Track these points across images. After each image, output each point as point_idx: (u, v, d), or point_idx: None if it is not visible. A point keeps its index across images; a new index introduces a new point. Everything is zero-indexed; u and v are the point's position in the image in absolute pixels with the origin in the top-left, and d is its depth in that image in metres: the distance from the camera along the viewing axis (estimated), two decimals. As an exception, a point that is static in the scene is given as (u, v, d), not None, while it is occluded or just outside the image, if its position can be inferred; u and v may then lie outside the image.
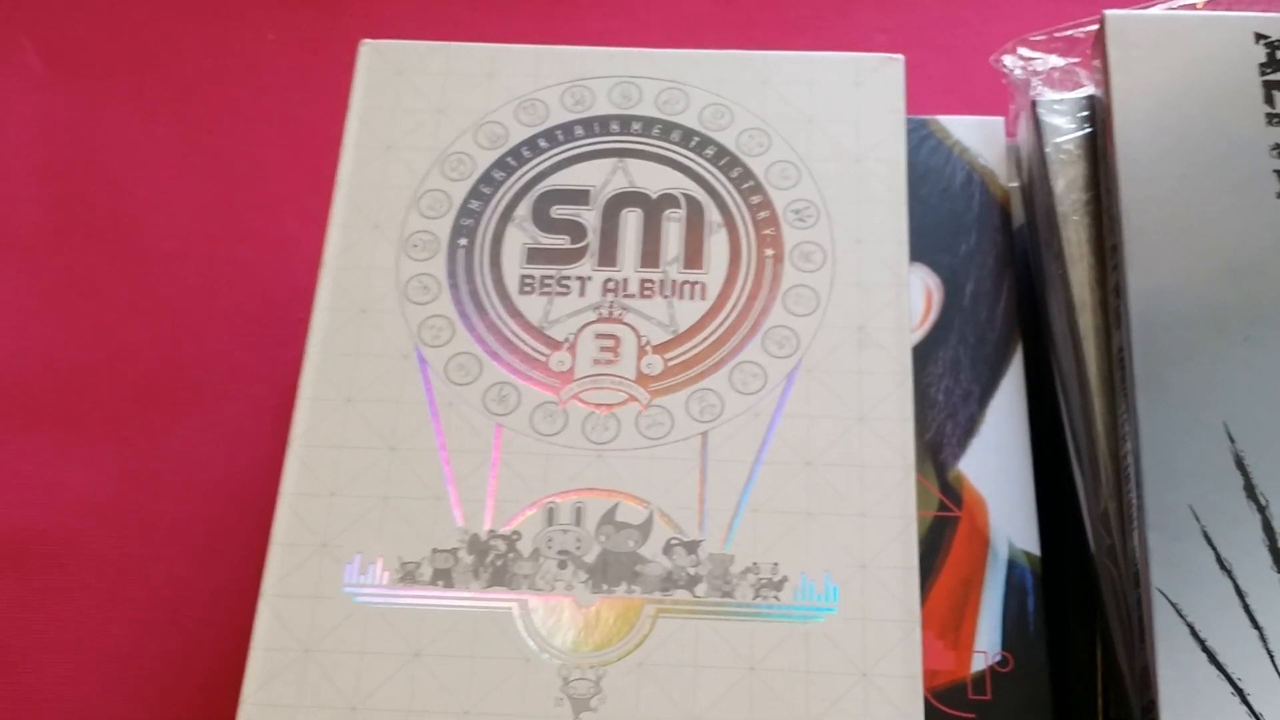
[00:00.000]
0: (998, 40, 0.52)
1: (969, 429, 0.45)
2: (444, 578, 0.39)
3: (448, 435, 0.41)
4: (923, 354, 0.46)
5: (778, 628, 0.38)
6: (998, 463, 0.44)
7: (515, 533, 0.39)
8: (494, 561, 0.39)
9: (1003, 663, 0.41)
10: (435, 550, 0.39)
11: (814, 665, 0.37)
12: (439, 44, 0.48)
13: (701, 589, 0.38)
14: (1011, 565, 0.43)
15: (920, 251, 0.48)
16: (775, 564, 0.39)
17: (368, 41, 0.48)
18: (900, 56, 0.47)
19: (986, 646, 0.41)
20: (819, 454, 0.40)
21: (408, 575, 0.39)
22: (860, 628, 0.38)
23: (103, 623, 0.50)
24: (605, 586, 0.39)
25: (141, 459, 0.53)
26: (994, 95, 0.55)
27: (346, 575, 0.39)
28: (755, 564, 0.39)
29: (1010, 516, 0.43)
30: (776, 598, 0.38)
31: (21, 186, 0.59)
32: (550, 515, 0.40)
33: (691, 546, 0.39)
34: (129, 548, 0.51)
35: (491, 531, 0.39)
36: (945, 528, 0.43)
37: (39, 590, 0.50)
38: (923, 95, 0.57)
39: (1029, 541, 0.43)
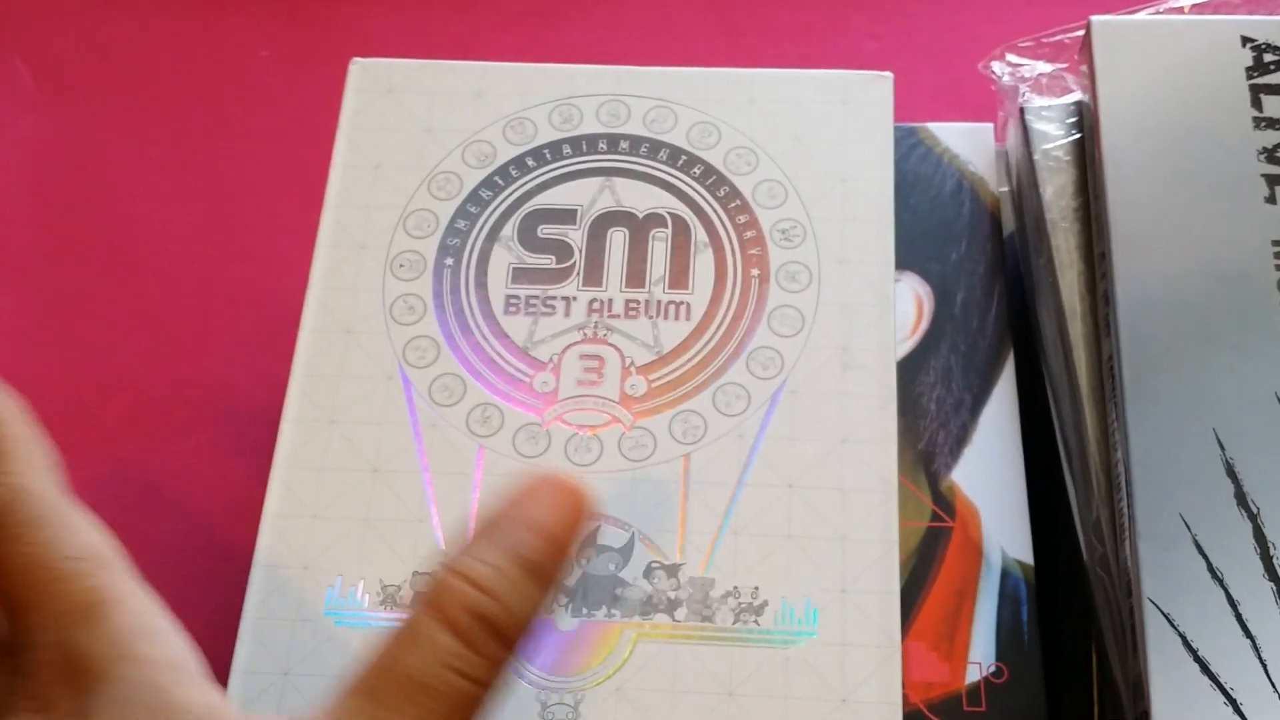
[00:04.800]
0: (989, 46, 0.52)
1: (961, 438, 0.45)
2: None
3: (430, 457, 0.41)
4: (914, 363, 0.46)
5: (757, 653, 0.38)
6: (990, 472, 0.44)
7: None
8: (476, 586, 0.39)
9: (997, 674, 0.41)
10: (416, 573, 0.39)
11: (793, 691, 0.37)
12: (428, 63, 0.48)
13: (681, 613, 0.38)
14: (1005, 575, 0.42)
15: (911, 260, 0.47)
16: (756, 588, 0.39)
17: (357, 60, 0.48)
18: (889, 74, 0.46)
19: (981, 658, 0.41)
20: (801, 476, 0.40)
21: (389, 598, 0.39)
22: (840, 653, 0.38)
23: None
24: (585, 610, 0.39)
25: (138, 478, 0.53)
26: (986, 101, 0.54)
27: (328, 598, 0.39)
28: (736, 588, 0.39)
29: (1003, 526, 0.43)
30: (756, 622, 0.38)
31: (16, 207, 0.59)
32: None
33: (672, 570, 0.39)
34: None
35: None
36: (938, 539, 0.43)
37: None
38: (914, 102, 0.57)
39: (1022, 551, 0.43)
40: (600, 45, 0.61)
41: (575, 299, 0.43)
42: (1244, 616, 0.37)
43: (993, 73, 0.50)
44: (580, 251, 0.44)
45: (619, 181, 0.45)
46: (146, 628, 0.29)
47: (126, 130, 0.61)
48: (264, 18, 0.63)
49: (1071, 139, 0.47)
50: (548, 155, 0.46)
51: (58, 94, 0.62)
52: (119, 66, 0.63)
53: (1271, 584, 0.38)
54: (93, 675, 0.28)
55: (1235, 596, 0.37)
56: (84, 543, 0.31)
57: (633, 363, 0.42)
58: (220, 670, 0.38)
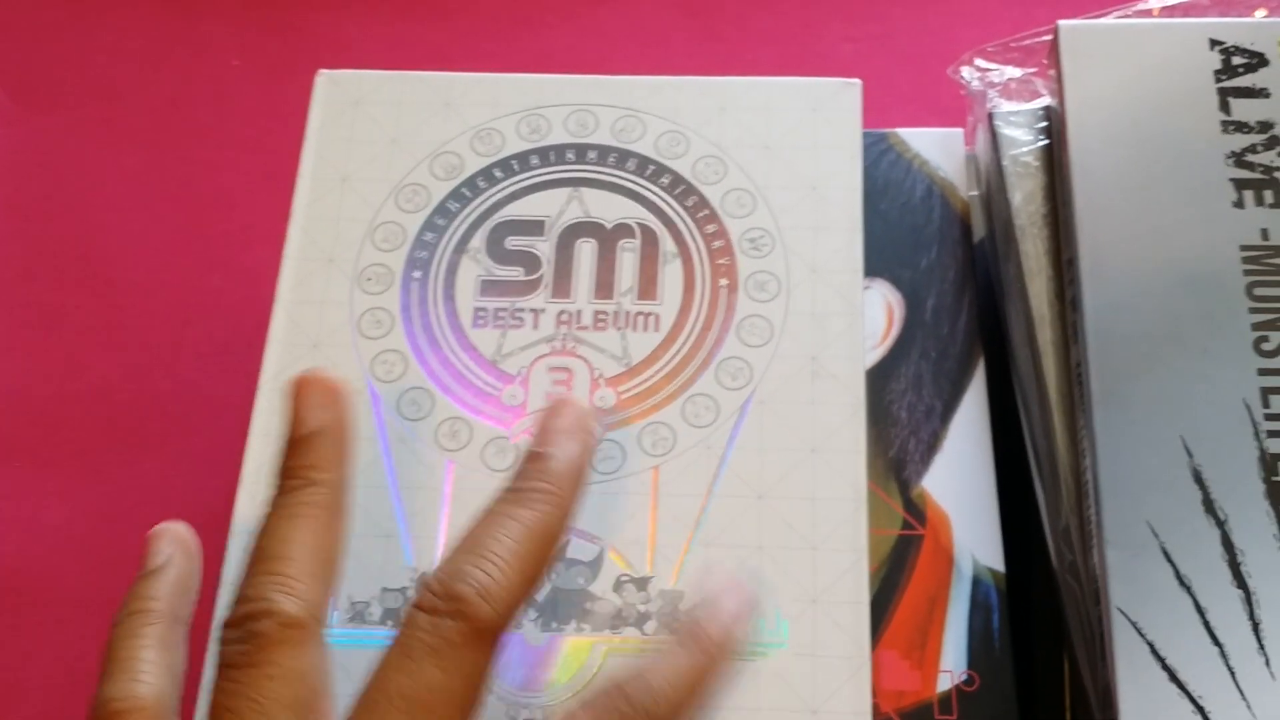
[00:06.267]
0: (963, 49, 0.52)
1: (932, 445, 0.45)
2: (393, 617, 0.39)
3: (399, 472, 0.41)
4: (885, 370, 0.46)
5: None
6: (961, 479, 0.44)
7: None
8: (444, 601, 0.39)
9: (969, 682, 0.41)
10: (384, 589, 0.39)
11: (764, 703, 0.37)
12: (394, 74, 0.48)
13: (651, 626, 0.38)
14: (976, 582, 0.42)
15: (881, 266, 0.47)
16: None
17: (324, 72, 0.48)
18: (858, 81, 0.46)
19: (952, 665, 0.41)
20: (771, 487, 0.40)
21: (357, 615, 0.39)
22: (810, 664, 0.38)
23: (79, 658, 0.50)
24: (555, 625, 0.39)
25: (114, 492, 0.53)
26: (961, 103, 0.54)
27: None
28: None
29: (974, 533, 0.43)
30: None
31: (-11, 219, 0.59)
32: None
33: (642, 583, 0.39)
34: (104, 583, 0.51)
35: None
36: (909, 546, 0.43)
37: (13, 629, 0.50)
38: (888, 106, 0.57)
39: (993, 558, 0.43)
40: (575, 49, 0.61)
41: (544, 311, 0.43)
42: (1212, 624, 0.37)
43: (961, 78, 0.50)
44: (548, 263, 0.44)
45: (587, 192, 0.45)
46: None
47: (99, 141, 0.61)
48: (235, 28, 0.63)
49: (1040, 144, 0.47)
50: (515, 166, 0.46)
51: (30, 106, 0.62)
52: (91, 78, 0.62)
53: (1239, 591, 0.38)
54: None
55: (1203, 604, 0.37)
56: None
57: (601, 375, 0.42)
58: (191, 687, 0.38)
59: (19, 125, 0.61)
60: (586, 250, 0.44)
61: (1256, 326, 0.41)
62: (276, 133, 0.60)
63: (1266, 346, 0.40)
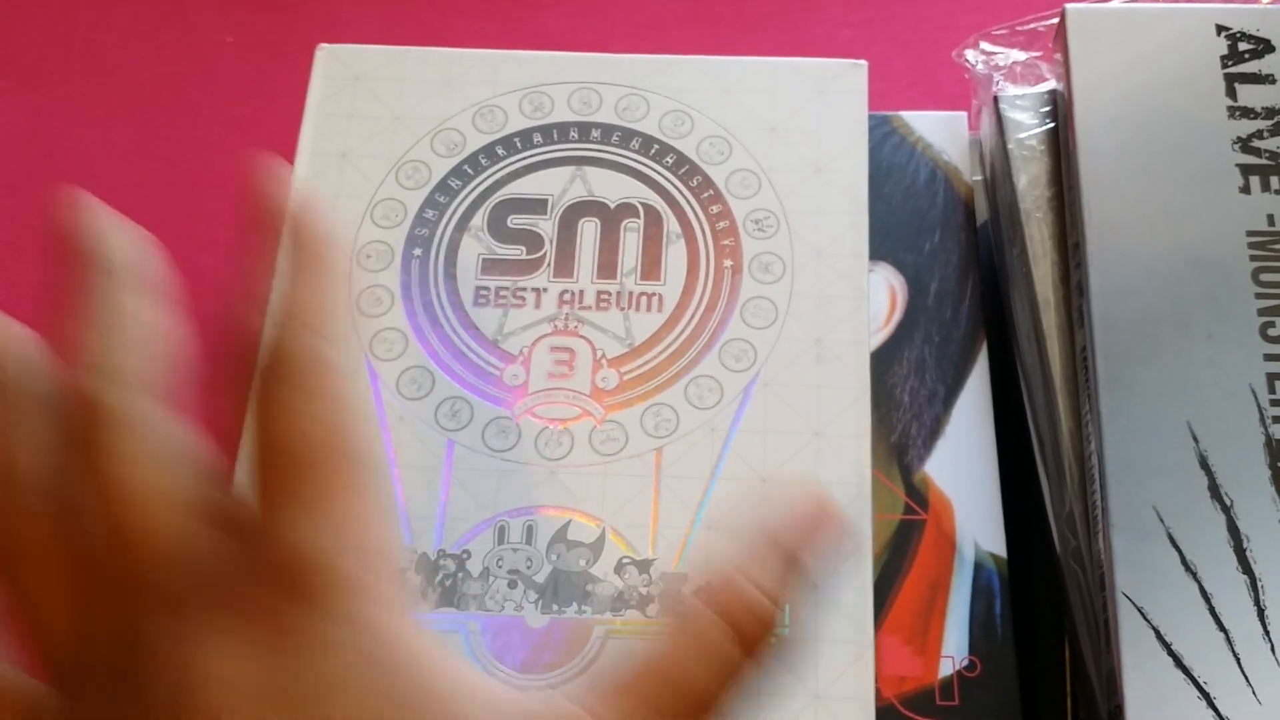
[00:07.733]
0: (964, 33, 0.51)
1: (934, 430, 0.44)
2: None
3: (398, 451, 0.40)
4: (887, 354, 0.45)
5: None
6: (964, 464, 0.44)
7: (465, 552, 0.39)
8: (443, 581, 0.39)
9: (970, 667, 0.41)
10: None
11: (766, 688, 0.37)
12: (397, 49, 0.47)
13: (653, 609, 0.38)
14: (978, 568, 0.42)
15: (884, 250, 0.47)
16: None
17: (324, 46, 0.47)
18: (863, 63, 0.46)
19: (954, 651, 0.41)
20: (774, 470, 0.40)
21: None
22: (813, 648, 0.38)
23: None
24: (556, 607, 0.38)
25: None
26: (961, 89, 0.54)
27: None
28: (709, 583, 0.38)
29: (977, 518, 0.43)
30: None
31: (-22, 197, 0.58)
32: (501, 534, 0.39)
33: (644, 565, 0.39)
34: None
35: (441, 551, 0.39)
36: (911, 531, 0.43)
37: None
38: (888, 90, 0.56)
39: (995, 544, 0.42)
40: (571, 30, 0.60)
41: (546, 290, 0.43)
42: (1217, 610, 0.37)
43: (966, 61, 0.50)
44: (551, 242, 0.44)
45: (590, 171, 0.45)
46: None
47: (88, 118, 0.60)
48: (229, 2, 0.62)
49: (1045, 128, 0.47)
50: (518, 144, 0.45)
51: (16, 81, 0.61)
52: (80, 53, 0.62)
53: (1245, 577, 0.37)
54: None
55: (1209, 590, 0.37)
56: None
57: (604, 355, 0.42)
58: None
59: (5, 100, 0.61)
60: (589, 230, 0.44)
61: (1262, 312, 0.41)
62: (270, 110, 0.59)
63: (1272, 332, 0.40)
